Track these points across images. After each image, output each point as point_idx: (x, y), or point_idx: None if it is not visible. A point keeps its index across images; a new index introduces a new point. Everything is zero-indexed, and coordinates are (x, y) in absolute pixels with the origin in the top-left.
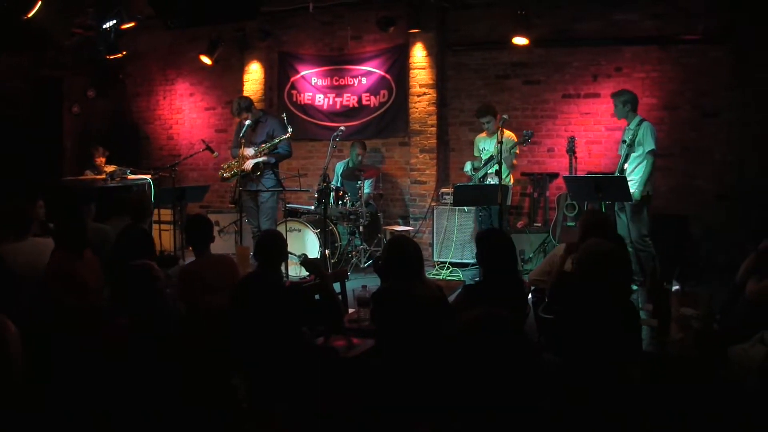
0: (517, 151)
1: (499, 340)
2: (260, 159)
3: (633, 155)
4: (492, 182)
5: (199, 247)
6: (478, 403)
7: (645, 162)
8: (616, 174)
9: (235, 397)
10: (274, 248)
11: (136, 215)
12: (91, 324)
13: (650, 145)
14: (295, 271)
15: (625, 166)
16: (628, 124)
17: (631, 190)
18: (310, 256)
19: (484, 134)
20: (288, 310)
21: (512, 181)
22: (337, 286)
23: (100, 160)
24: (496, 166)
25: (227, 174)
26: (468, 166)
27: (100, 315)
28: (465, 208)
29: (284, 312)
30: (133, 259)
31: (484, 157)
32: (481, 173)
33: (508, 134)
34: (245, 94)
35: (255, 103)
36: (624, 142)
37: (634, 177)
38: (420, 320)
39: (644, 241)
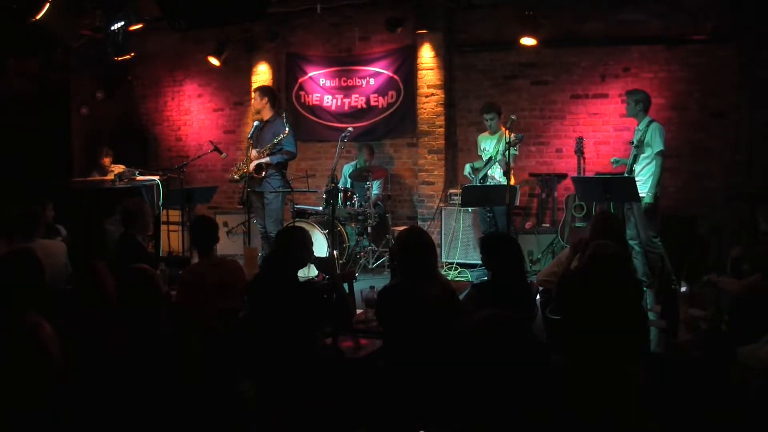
0: (516, 153)
1: (507, 341)
2: (263, 160)
3: (642, 156)
4: (491, 183)
5: (203, 248)
6: (485, 404)
7: (653, 163)
8: (625, 175)
9: (240, 401)
10: (294, 244)
11: (127, 225)
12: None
13: (658, 146)
14: (304, 271)
15: (634, 167)
16: (638, 125)
17: (641, 193)
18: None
19: (486, 133)
20: (300, 306)
21: (513, 181)
22: (344, 287)
23: (106, 160)
24: (496, 167)
25: (236, 176)
26: (467, 169)
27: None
28: (473, 208)
29: (297, 309)
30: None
31: (485, 157)
32: (481, 174)
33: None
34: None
35: None
36: (632, 143)
37: (642, 178)
38: (427, 321)
39: (653, 242)
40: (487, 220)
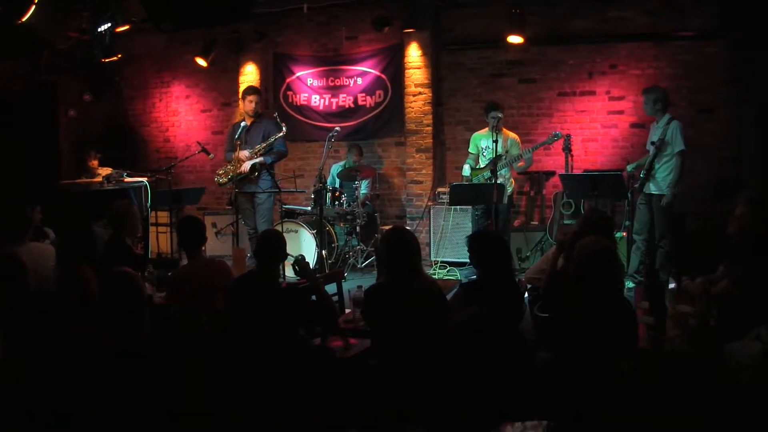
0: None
1: (493, 339)
2: (257, 160)
3: (663, 154)
4: (500, 181)
5: (191, 249)
6: (473, 402)
7: (674, 162)
8: (643, 172)
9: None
10: (273, 248)
11: (115, 228)
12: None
13: (680, 146)
14: (292, 272)
15: (655, 164)
16: (657, 122)
17: (661, 191)
18: (305, 258)
19: (484, 131)
20: (284, 311)
21: (513, 181)
22: (333, 287)
23: (93, 163)
24: (506, 168)
25: (223, 179)
26: (467, 170)
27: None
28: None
29: (280, 313)
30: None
31: (488, 155)
32: (488, 174)
33: (512, 135)
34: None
35: None
36: (653, 143)
37: (661, 176)
38: (414, 319)
39: (664, 241)
40: (475, 219)
